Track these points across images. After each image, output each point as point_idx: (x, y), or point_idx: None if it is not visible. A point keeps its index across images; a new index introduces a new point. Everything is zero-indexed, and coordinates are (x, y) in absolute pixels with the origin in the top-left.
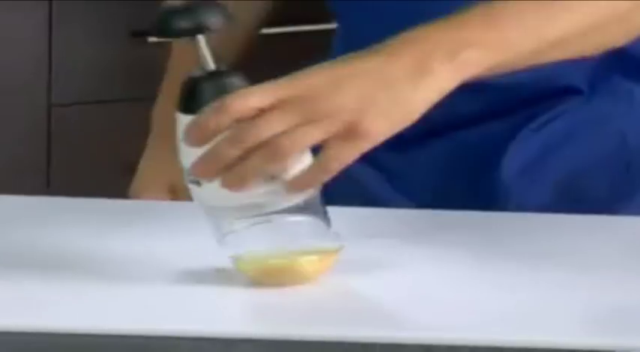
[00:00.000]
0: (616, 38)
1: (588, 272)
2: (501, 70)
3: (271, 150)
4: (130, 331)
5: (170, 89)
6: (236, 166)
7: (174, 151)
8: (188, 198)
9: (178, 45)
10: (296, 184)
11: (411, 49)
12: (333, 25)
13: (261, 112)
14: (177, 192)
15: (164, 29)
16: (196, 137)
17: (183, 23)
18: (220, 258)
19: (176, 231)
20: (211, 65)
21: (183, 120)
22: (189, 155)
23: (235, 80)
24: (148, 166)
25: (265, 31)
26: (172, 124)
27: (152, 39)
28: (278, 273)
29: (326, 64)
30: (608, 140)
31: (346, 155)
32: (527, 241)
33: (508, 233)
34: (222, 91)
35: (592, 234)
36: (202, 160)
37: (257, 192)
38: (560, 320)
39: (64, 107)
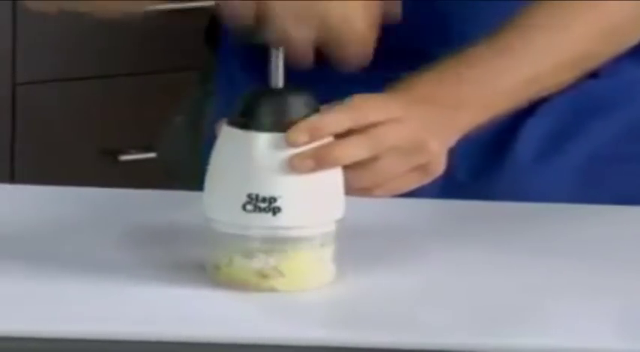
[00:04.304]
0: (615, 50)
1: (613, 272)
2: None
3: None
4: (114, 335)
5: None
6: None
7: None
8: None
9: None
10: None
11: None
12: None
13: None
14: None
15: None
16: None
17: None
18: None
19: (160, 223)
20: (280, 82)
21: (247, 137)
22: (256, 176)
23: (299, 99)
24: None
25: None
26: None
27: None
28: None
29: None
30: (632, 113)
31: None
32: (548, 235)
33: (526, 225)
34: (283, 110)
35: (616, 228)
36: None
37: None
38: (583, 322)
39: (29, 85)
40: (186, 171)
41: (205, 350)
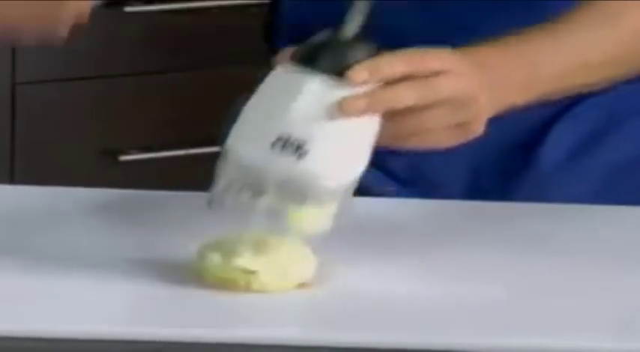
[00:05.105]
0: None
1: (616, 271)
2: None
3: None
4: (111, 335)
5: None
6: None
7: None
8: None
9: None
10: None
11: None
12: None
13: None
14: None
15: None
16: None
17: None
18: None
19: (159, 223)
20: (351, 33)
21: (306, 79)
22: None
23: (362, 48)
24: None
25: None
26: None
27: (129, 9)
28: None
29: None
30: None
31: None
32: (548, 235)
33: (528, 225)
34: (344, 56)
35: (622, 228)
36: (369, 95)
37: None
38: (584, 322)
39: (29, 85)
40: None
41: (206, 351)
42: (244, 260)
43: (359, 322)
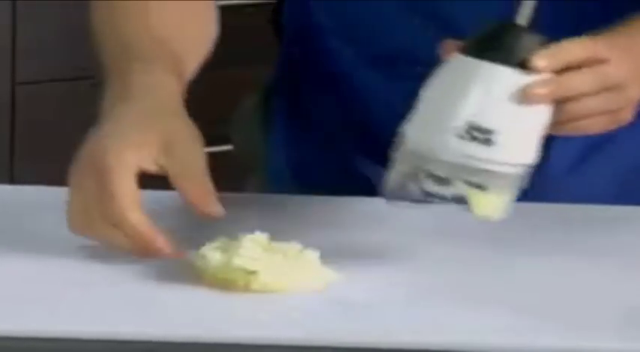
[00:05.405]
0: None
1: (621, 271)
2: None
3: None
4: (110, 335)
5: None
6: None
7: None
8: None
9: None
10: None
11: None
12: None
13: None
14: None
15: None
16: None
17: None
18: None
19: (159, 223)
20: (525, 21)
21: (494, 70)
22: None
23: (535, 38)
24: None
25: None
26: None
27: None
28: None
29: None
30: None
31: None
32: (549, 236)
33: (530, 225)
34: (522, 46)
35: (627, 229)
36: (548, 84)
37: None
38: (586, 321)
39: (29, 85)
40: (261, 163)
41: (204, 351)
42: (244, 260)
43: (358, 322)
